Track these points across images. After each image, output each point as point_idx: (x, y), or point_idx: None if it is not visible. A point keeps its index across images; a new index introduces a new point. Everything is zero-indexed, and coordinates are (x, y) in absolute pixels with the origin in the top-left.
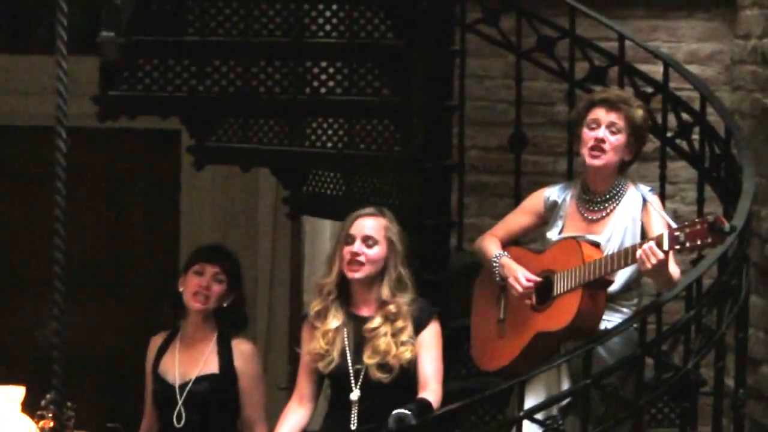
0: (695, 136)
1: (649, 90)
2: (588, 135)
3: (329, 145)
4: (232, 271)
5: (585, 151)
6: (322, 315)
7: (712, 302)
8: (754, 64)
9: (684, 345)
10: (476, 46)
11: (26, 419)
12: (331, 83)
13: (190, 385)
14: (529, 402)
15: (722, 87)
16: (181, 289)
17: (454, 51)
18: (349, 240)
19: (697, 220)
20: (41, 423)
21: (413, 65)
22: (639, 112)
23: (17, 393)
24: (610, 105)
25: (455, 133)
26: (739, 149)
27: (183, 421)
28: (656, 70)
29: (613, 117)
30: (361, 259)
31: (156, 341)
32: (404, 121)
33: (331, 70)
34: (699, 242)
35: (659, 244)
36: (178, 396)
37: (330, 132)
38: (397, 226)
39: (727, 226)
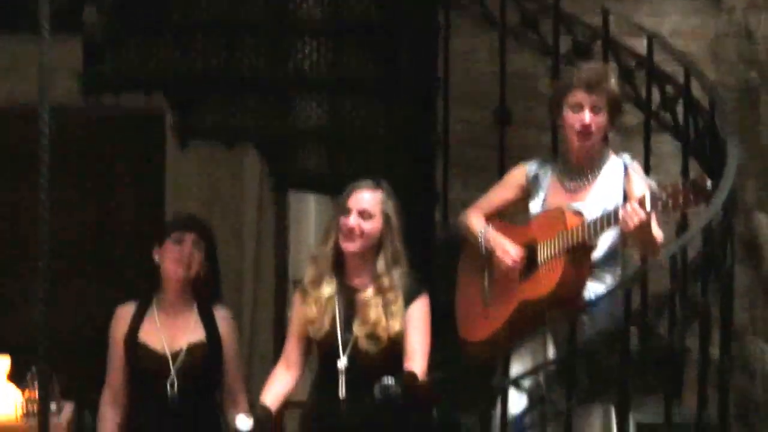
0: (679, 110)
1: (633, 64)
2: (572, 118)
3: (314, 121)
4: (209, 239)
5: (572, 134)
6: (316, 283)
7: (697, 273)
8: (738, 38)
9: (669, 315)
10: (460, 22)
11: (12, 388)
12: (315, 59)
13: (182, 354)
14: (515, 371)
15: (706, 61)
16: (156, 259)
17: (438, 27)
18: (346, 212)
19: (680, 181)
20: (27, 393)
21: (398, 41)
22: (614, 84)
23: (3, 363)
24: (591, 87)
25: (440, 109)
26: (723, 122)
27: (176, 391)
28: (640, 45)
29: (594, 98)
30: (357, 232)
31: (124, 312)
32: (389, 96)
33: (314, 45)
34: (682, 201)
35: (641, 205)
36: (171, 365)
37: (315, 108)
38: (394, 201)
39: (709, 183)
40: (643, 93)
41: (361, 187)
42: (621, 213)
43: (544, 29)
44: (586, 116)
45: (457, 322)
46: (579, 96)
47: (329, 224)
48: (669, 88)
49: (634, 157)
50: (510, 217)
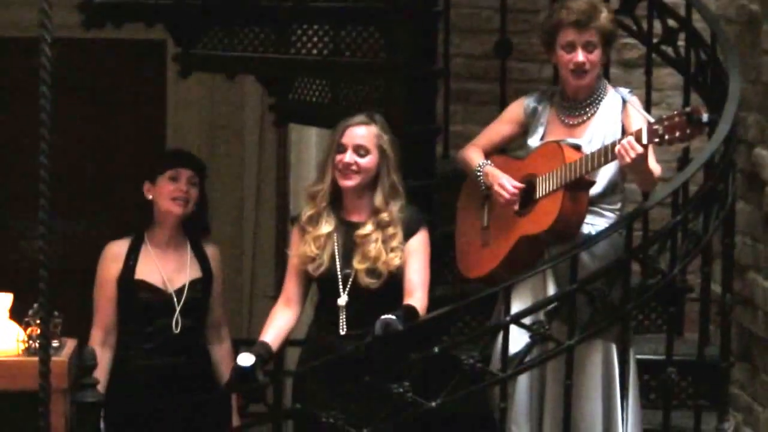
0: (681, 43)
1: None
2: (565, 57)
3: (315, 52)
4: (203, 175)
5: (566, 73)
6: (314, 220)
7: (698, 207)
8: None
9: (670, 250)
10: None
11: (14, 325)
12: None
13: (186, 290)
14: (515, 308)
15: None
16: (150, 197)
17: None
18: (341, 149)
19: (675, 112)
20: (29, 330)
21: None
22: (606, 17)
23: (5, 300)
24: (582, 24)
25: (440, 40)
26: (725, 55)
27: (180, 327)
28: None
29: (586, 36)
30: (354, 168)
31: (115, 249)
32: (389, 27)
33: None
34: (678, 134)
35: (638, 138)
36: (175, 302)
37: (315, 39)
38: (388, 134)
39: (705, 115)
40: (645, 25)
41: (355, 122)
42: (617, 147)
43: None
44: (579, 55)
45: (456, 258)
46: (570, 35)
47: (324, 161)
48: (670, 21)
49: (635, 90)
50: (511, 151)
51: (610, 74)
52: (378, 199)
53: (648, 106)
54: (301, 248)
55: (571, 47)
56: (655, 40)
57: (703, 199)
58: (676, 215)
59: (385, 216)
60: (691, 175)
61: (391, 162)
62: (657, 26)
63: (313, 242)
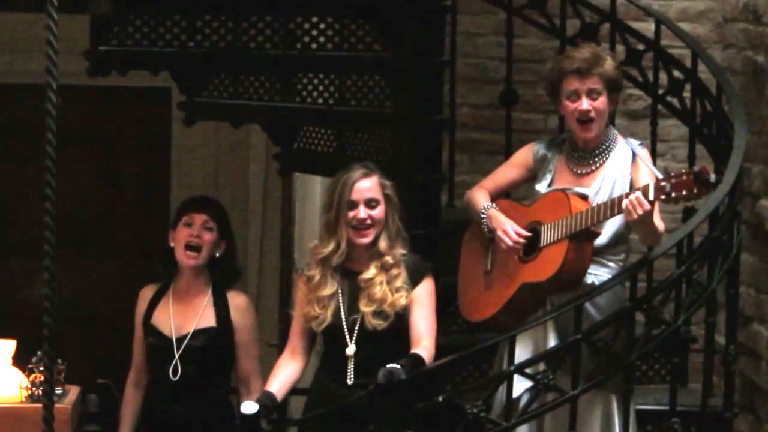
0: (686, 94)
1: (641, 47)
2: (570, 107)
3: (320, 101)
4: (221, 219)
5: (573, 123)
6: (318, 283)
7: (703, 258)
8: (746, 22)
9: (675, 301)
10: (467, 3)
11: (17, 372)
12: (321, 39)
13: (187, 338)
14: (516, 356)
15: (713, 45)
16: (172, 245)
17: (445, 7)
18: (352, 206)
19: (683, 170)
20: (32, 377)
21: (404, 21)
22: (610, 65)
23: (8, 346)
24: (583, 73)
25: (446, 90)
26: (730, 106)
27: (179, 375)
28: (647, 28)
29: (589, 83)
30: (369, 222)
31: (146, 293)
32: (395, 76)
33: (321, 26)
34: (685, 193)
35: (645, 194)
36: (174, 349)
37: (321, 88)
38: (388, 180)
39: (712, 176)
40: (651, 76)
41: (358, 176)
42: (625, 203)
43: (552, 11)
44: (584, 103)
45: (459, 301)
46: (573, 84)
47: (333, 220)
48: (676, 72)
49: (640, 140)
50: (517, 196)
51: (616, 125)
52: (383, 245)
53: (653, 157)
54: (305, 308)
55: (575, 95)
56: (660, 91)
57: (707, 250)
58: (681, 266)
59: (389, 259)
60: (696, 226)
61: (395, 207)
62: (663, 77)
63: (316, 303)
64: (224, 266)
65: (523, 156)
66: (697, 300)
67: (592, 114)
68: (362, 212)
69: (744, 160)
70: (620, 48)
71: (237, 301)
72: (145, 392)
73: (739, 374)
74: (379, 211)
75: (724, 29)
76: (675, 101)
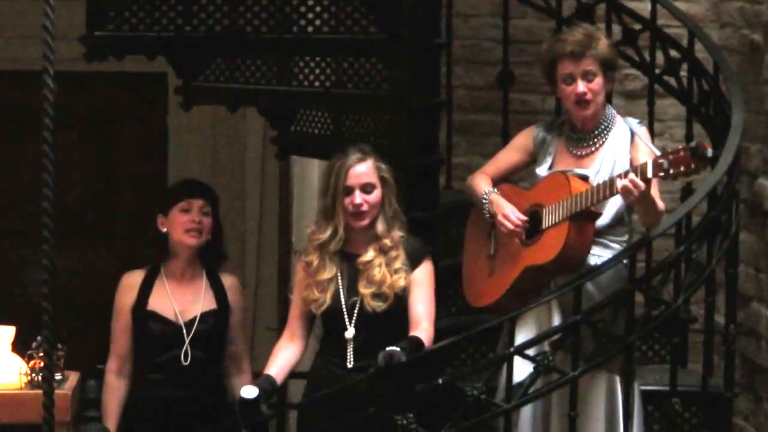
0: (683, 73)
1: (637, 27)
2: (566, 90)
3: (317, 84)
4: (216, 203)
5: (570, 105)
6: (316, 268)
7: (702, 237)
8: (742, 0)
9: (674, 281)
10: None
11: (17, 358)
12: (317, 22)
13: (197, 322)
14: (520, 338)
15: (710, 23)
16: (164, 230)
17: None
18: (348, 191)
19: (680, 147)
20: (31, 363)
21: (400, 2)
22: (603, 44)
23: (7, 333)
24: (577, 55)
25: (443, 72)
26: (727, 85)
27: (189, 360)
28: (643, 7)
29: (584, 65)
30: (365, 208)
31: (131, 280)
32: (392, 59)
33: (317, 9)
34: (683, 169)
35: (643, 172)
36: (185, 334)
37: (317, 71)
38: (384, 163)
39: (709, 150)
40: (647, 56)
41: (354, 161)
42: (620, 183)
43: None
44: (579, 86)
45: (465, 288)
46: (567, 67)
47: (330, 206)
48: (673, 52)
49: (639, 119)
50: (518, 179)
51: (613, 105)
52: (380, 228)
53: (651, 137)
54: (303, 292)
55: (570, 79)
56: (657, 71)
57: (706, 230)
58: (680, 246)
59: (387, 242)
60: (695, 205)
61: (392, 190)
62: (659, 57)
63: (315, 287)
64: (215, 248)
65: (523, 140)
66: (697, 280)
67: (588, 96)
68: (358, 197)
69: (742, 139)
70: (616, 28)
71: (229, 282)
72: (135, 381)
73: (739, 354)
74: (375, 196)
75: (720, 8)
76: (672, 81)
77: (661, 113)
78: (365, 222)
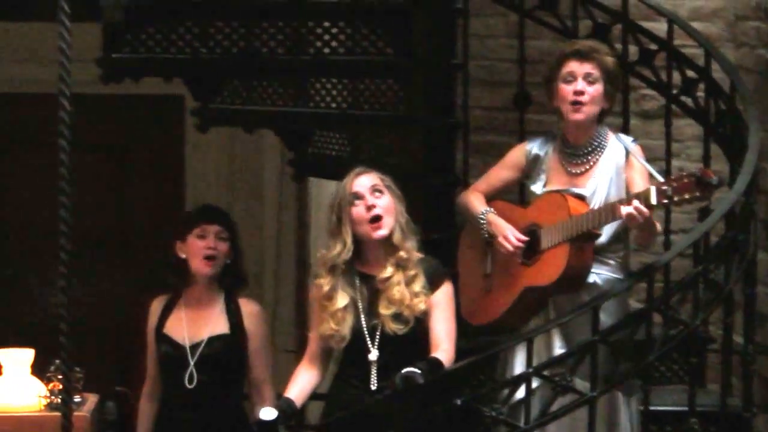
0: (700, 93)
1: (653, 47)
2: (566, 89)
3: (333, 105)
4: (232, 228)
5: (565, 107)
6: (330, 295)
7: (720, 258)
8: (758, 20)
9: (692, 301)
10: (479, 5)
11: (36, 381)
12: (334, 43)
13: (202, 346)
14: (520, 358)
15: (726, 43)
16: (183, 256)
17: (456, 10)
18: (357, 197)
19: (683, 173)
20: (50, 385)
21: (416, 24)
22: (610, 59)
23: (27, 356)
24: (583, 56)
25: (459, 93)
26: (744, 105)
27: (194, 383)
28: (660, 27)
29: (587, 67)
30: (379, 211)
31: (157, 304)
32: (408, 80)
33: (334, 30)
34: (687, 196)
35: (647, 199)
36: (189, 357)
37: (334, 92)
38: (387, 177)
39: (714, 179)
40: (664, 76)
41: (356, 173)
42: (625, 211)
43: (563, 12)
44: (579, 84)
45: (460, 305)
46: (571, 65)
47: (337, 225)
48: (689, 72)
49: (654, 140)
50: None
51: (630, 126)
52: (397, 237)
53: (668, 157)
54: (320, 327)
55: (571, 77)
56: (674, 91)
57: (724, 250)
58: (698, 266)
59: (403, 254)
60: (712, 225)
61: (400, 199)
62: (676, 77)
63: (331, 319)
64: (234, 272)
65: (516, 156)
66: (714, 300)
67: (585, 97)
68: (369, 200)
69: (759, 159)
70: (633, 48)
71: (249, 308)
72: (160, 402)
73: (757, 374)
74: (386, 200)
75: (736, 28)
76: (689, 101)
77: (678, 133)
78: (385, 230)
